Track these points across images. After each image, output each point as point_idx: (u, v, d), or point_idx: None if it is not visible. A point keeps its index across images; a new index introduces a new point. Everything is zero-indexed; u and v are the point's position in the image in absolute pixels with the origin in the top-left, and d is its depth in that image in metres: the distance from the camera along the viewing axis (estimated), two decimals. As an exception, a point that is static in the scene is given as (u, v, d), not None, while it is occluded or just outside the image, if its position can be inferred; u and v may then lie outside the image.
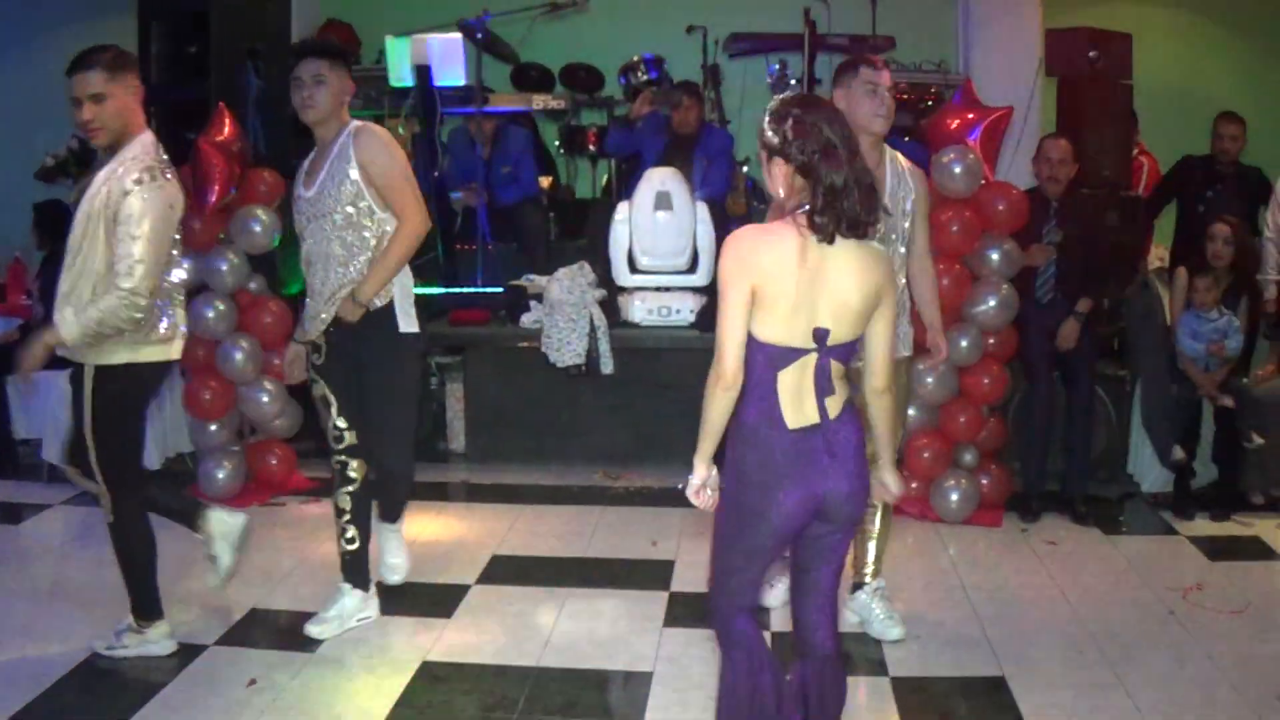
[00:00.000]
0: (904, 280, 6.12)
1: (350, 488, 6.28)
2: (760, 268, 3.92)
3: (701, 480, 4.14)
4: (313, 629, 6.14)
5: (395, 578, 6.80)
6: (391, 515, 6.74)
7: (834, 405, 4.06)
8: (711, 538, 4.31)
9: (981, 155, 8.13)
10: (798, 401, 4.02)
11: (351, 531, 6.30)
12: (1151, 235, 10.65)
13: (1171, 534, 7.95)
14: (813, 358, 4.00)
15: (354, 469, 6.26)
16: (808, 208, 3.93)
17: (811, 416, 4.03)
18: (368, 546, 6.39)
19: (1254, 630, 6.30)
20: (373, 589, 6.48)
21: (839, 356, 4.06)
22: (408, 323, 6.17)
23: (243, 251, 8.41)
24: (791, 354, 3.99)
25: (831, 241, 3.93)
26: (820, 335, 3.99)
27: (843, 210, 3.90)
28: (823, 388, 4.03)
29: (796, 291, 3.94)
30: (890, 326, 4.19)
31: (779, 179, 4.04)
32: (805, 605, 4.41)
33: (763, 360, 4.00)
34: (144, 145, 5.48)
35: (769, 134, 4.01)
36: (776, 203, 4.31)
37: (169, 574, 5.99)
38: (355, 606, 6.32)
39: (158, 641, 5.81)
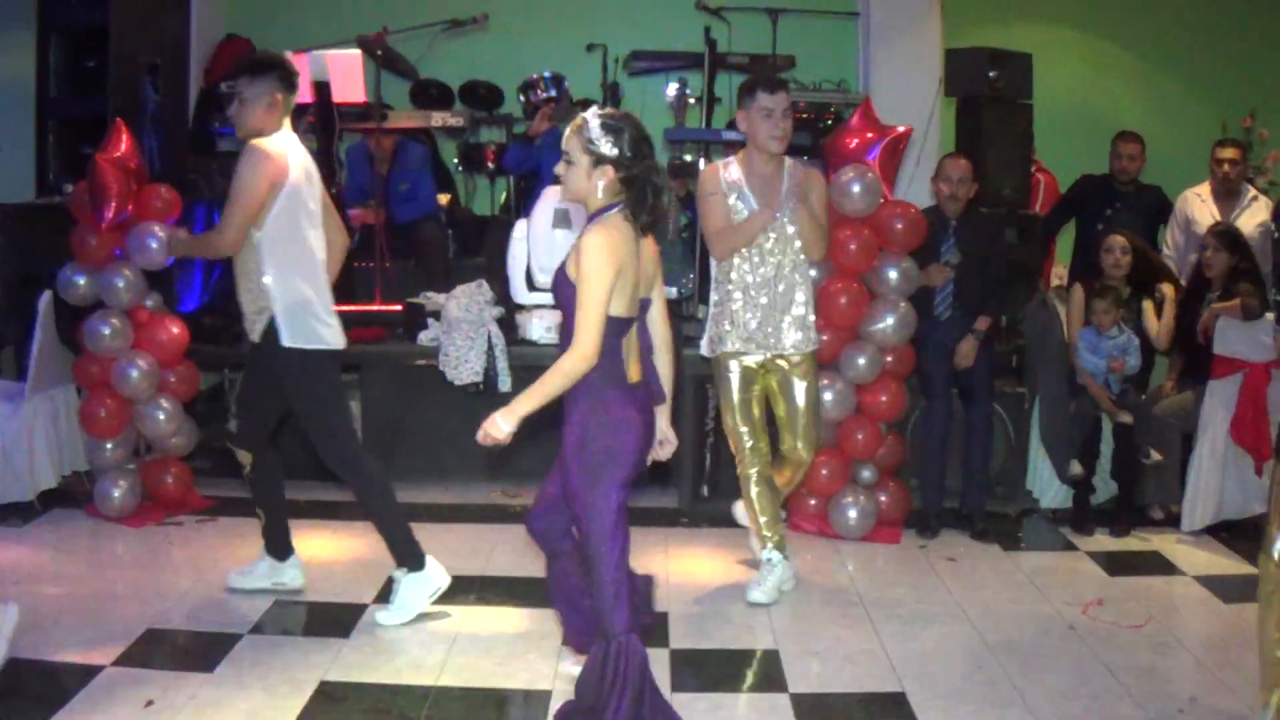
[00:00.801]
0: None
1: (244, 472, 6.77)
2: (620, 256, 4.64)
3: (509, 434, 4.73)
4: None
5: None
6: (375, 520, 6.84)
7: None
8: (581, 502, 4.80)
9: (880, 174, 8.15)
10: (632, 360, 4.89)
11: (259, 510, 6.86)
12: (1054, 253, 10.71)
13: (1071, 550, 7.99)
14: (634, 324, 4.89)
15: (240, 456, 6.71)
16: (622, 207, 4.75)
17: (637, 374, 4.93)
18: (275, 522, 6.85)
19: (1154, 644, 6.33)
20: (292, 558, 6.96)
21: (640, 323, 5.00)
22: (290, 337, 6.32)
23: (139, 268, 8.25)
24: (629, 322, 4.82)
25: (644, 235, 4.86)
26: (644, 304, 4.99)
27: (654, 209, 4.78)
28: (647, 347, 5.08)
29: (634, 273, 4.76)
30: (662, 296, 5.20)
31: (601, 184, 4.74)
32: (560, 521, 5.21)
33: (611, 330, 4.69)
34: None
35: (604, 146, 4.70)
36: (581, 197, 4.85)
37: (68, 590, 5.90)
38: (265, 571, 6.93)
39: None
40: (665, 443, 5.28)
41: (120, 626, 6.32)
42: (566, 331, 4.76)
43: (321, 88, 9.56)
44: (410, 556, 6.60)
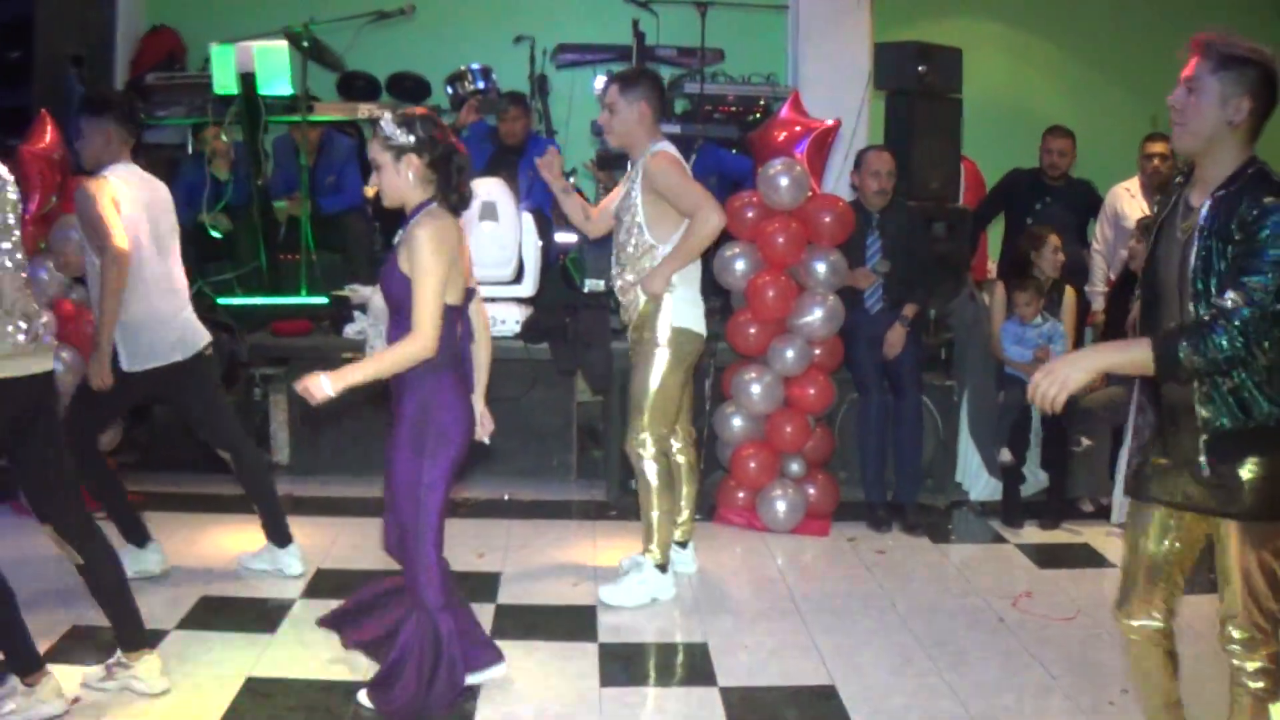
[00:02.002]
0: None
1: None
2: (450, 246, 4.92)
3: (329, 394, 4.86)
4: None
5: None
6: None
7: None
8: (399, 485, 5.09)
9: (808, 168, 8.15)
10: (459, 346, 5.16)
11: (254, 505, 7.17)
12: (985, 247, 10.72)
13: (1001, 542, 8.00)
14: (464, 312, 5.18)
15: (222, 455, 7.03)
16: (438, 199, 5.03)
17: (458, 357, 5.18)
18: (268, 514, 7.07)
19: (1085, 636, 6.34)
20: (291, 547, 7.15)
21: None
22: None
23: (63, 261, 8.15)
24: (460, 310, 5.11)
25: (457, 215, 5.13)
26: (470, 292, 5.23)
27: (460, 186, 5.08)
28: (467, 334, 5.26)
29: (461, 263, 5.05)
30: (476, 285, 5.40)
31: (410, 175, 4.99)
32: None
33: (448, 318, 4.97)
34: None
35: (401, 137, 4.95)
36: (400, 196, 5.09)
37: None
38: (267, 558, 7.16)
39: (49, 700, 5.31)
40: (484, 423, 5.53)
41: (45, 623, 6.19)
42: (398, 321, 5.02)
43: (247, 79, 9.48)
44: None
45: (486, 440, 5.57)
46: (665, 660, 6.07)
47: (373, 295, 8.62)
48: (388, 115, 4.99)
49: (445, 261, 4.85)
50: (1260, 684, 4.08)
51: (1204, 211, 3.92)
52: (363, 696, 5.31)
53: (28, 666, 5.26)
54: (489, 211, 8.73)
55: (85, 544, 5.44)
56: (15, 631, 5.25)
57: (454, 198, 5.07)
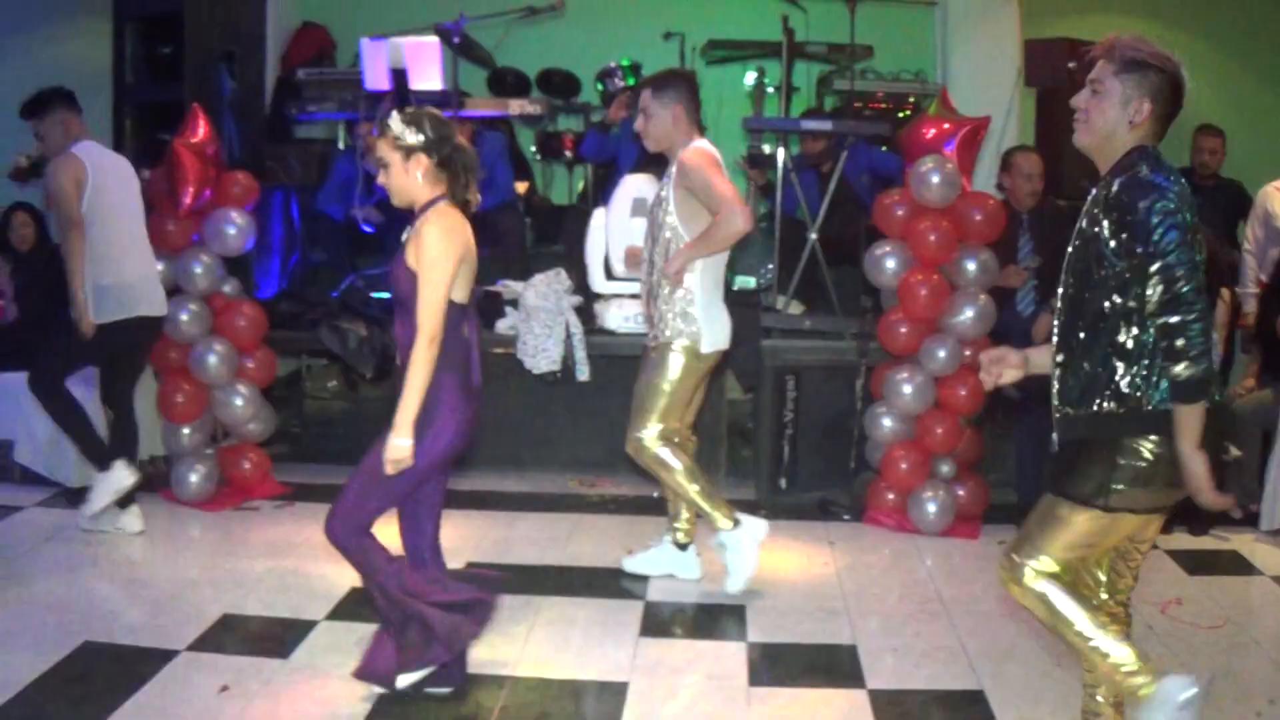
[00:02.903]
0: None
1: None
2: (462, 243, 4.94)
3: (411, 447, 4.92)
4: None
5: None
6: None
7: None
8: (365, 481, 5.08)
9: (958, 165, 8.11)
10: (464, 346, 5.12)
11: None
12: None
13: (1153, 547, 7.88)
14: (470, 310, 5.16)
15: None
16: (448, 197, 5.04)
17: (463, 359, 5.13)
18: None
19: (1232, 645, 6.29)
20: None
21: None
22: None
23: (216, 254, 8.32)
24: (466, 309, 5.09)
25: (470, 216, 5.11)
26: (478, 292, 5.24)
27: (468, 186, 5.09)
28: (475, 335, 5.21)
29: (472, 260, 5.04)
30: None
31: (419, 174, 4.99)
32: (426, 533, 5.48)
33: (454, 317, 4.97)
34: None
35: (410, 137, 4.94)
36: (409, 195, 5.08)
37: (144, 574, 5.96)
38: None
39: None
40: None
41: (195, 611, 6.39)
42: (404, 318, 5.05)
43: (399, 75, 9.60)
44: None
45: None
46: (813, 661, 6.06)
47: (524, 291, 8.73)
48: (396, 115, 5.03)
49: (455, 257, 4.89)
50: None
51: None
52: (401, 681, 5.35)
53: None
54: (640, 208, 8.75)
55: None
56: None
57: (462, 196, 5.11)
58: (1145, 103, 4.11)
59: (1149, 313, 3.98)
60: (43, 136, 7.36)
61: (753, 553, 6.82)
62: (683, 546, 7.12)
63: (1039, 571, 4.37)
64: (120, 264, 7.41)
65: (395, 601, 5.19)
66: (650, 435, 6.74)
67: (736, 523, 6.83)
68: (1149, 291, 3.95)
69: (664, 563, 7.12)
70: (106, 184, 7.37)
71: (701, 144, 6.67)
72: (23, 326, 8.96)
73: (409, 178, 4.99)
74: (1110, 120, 4.15)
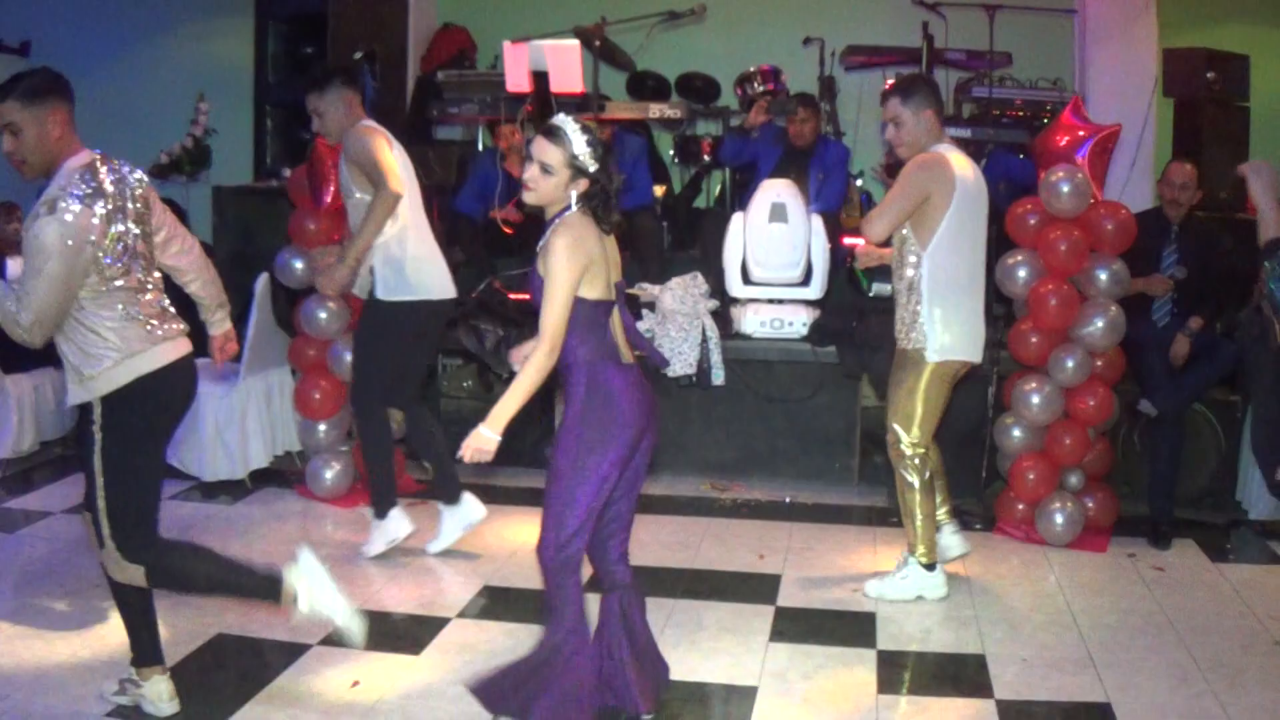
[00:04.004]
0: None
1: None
2: (587, 250, 4.88)
3: (497, 443, 4.92)
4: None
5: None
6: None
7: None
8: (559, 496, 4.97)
9: (1089, 173, 8.10)
10: (621, 341, 5.14)
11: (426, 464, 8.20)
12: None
13: (1278, 563, 7.91)
14: (615, 307, 5.11)
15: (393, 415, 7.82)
16: (580, 205, 4.98)
17: (629, 355, 5.16)
18: (443, 470, 7.64)
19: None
20: (465, 496, 7.62)
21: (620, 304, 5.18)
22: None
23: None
24: (609, 305, 5.04)
25: (609, 232, 5.08)
26: (619, 286, 5.15)
27: (609, 215, 5.03)
28: (630, 326, 5.24)
29: (604, 260, 4.98)
30: None
31: (573, 193, 4.96)
32: (610, 542, 5.38)
33: (593, 314, 4.96)
34: (63, 173, 5.08)
35: (590, 164, 4.94)
36: (553, 203, 5.05)
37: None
38: (450, 523, 7.64)
39: (154, 700, 5.34)
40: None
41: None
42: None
43: (540, 78, 9.71)
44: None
45: None
46: (942, 669, 6.13)
47: (661, 294, 8.81)
48: (576, 130, 4.93)
49: (578, 268, 4.84)
50: None
51: None
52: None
53: (144, 659, 5.37)
54: (779, 213, 8.83)
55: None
56: (145, 621, 5.38)
57: (605, 223, 5.04)
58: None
59: None
60: (322, 114, 7.30)
61: (911, 592, 7.02)
62: (929, 568, 7.10)
63: None
64: (420, 242, 7.41)
65: (542, 655, 5.10)
66: (901, 444, 6.95)
67: (933, 567, 7.03)
68: None
69: (909, 586, 7.09)
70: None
71: (941, 147, 6.78)
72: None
73: (563, 193, 4.97)
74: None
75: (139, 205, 5.19)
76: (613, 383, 4.99)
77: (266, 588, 5.38)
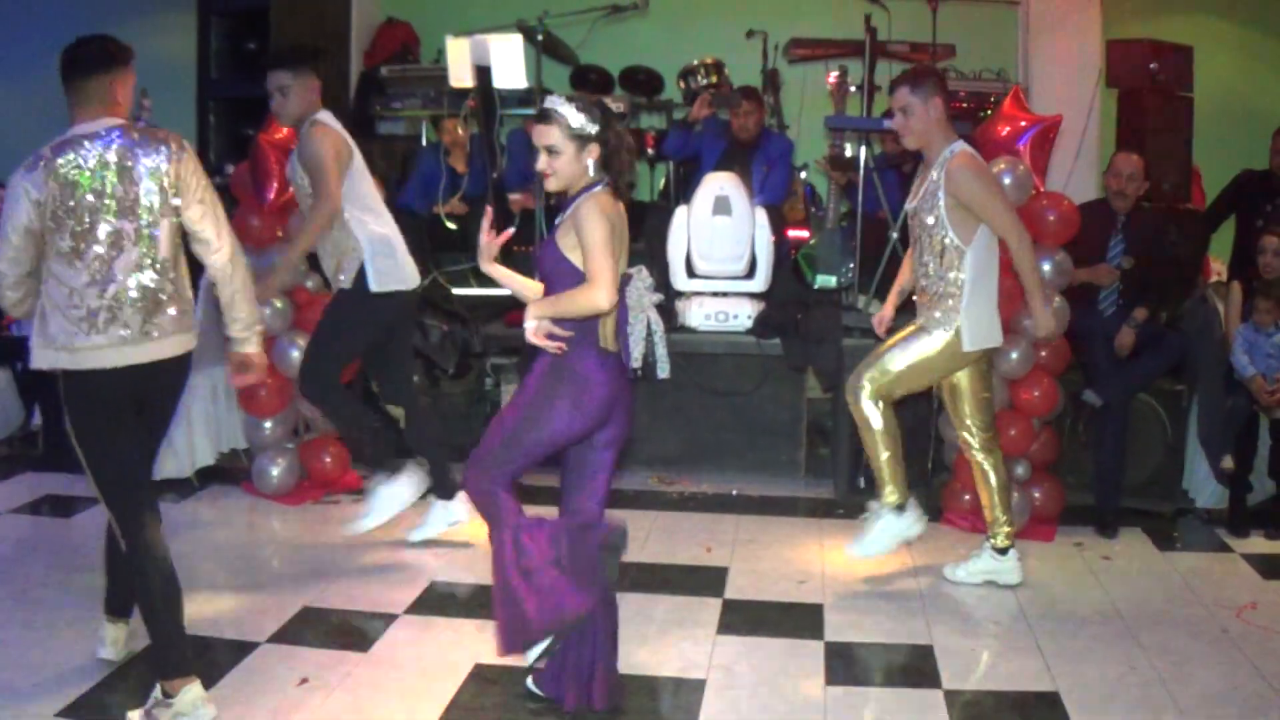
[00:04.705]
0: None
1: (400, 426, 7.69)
2: (612, 221, 4.94)
3: (542, 321, 5.01)
4: None
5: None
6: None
7: None
8: (517, 429, 5.12)
9: (1030, 163, 8.10)
10: (609, 328, 5.24)
11: (422, 459, 7.69)
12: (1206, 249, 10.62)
13: (1226, 551, 7.92)
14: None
15: (393, 412, 7.68)
16: (606, 181, 5.04)
17: (613, 343, 5.32)
18: (438, 464, 7.52)
19: (1308, 650, 6.28)
20: (459, 495, 7.43)
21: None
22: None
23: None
24: (626, 277, 5.22)
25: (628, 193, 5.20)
26: (624, 278, 5.22)
27: (629, 167, 5.14)
28: (624, 316, 5.35)
29: (619, 244, 5.06)
30: None
31: (589, 161, 5.04)
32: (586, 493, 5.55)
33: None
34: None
35: (589, 126, 5.00)
36: (574, 182, 5.10)
37: (225, 566, 6.06)
38: (438, 515, 7.60)
39: (187, 713, 5.05)
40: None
41: (275, 604, 6.52)
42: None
43: (482, 72, 9.66)
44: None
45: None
46: (890, 660, 6.12)
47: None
48: (565, 103, 5.01)
49: (607, 226, 4.90)
50: None
51: None
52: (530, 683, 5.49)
53: (172, 671, 5.12)
54: (722, 206, 8.83)
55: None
56: (171, 635, 5.19)
57: (623, 180, 5.10)
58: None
59: None
60: (287, 93, 7.16)
61: (891, 540, 7.08)
62: (1002, 551, 7.14)
63: None
64: (396, 231, 7.35)
65: (500, 568, 5.16)
66: (863, 385, 6.91)
67: (903, 507, 7.05)
68: None
69: (982, 570, 7.15)
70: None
71: (966, 147, 6.75)
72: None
73: (579, 166, 5.03)
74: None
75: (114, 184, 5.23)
76: (588, 364, 5.14)
77: None
